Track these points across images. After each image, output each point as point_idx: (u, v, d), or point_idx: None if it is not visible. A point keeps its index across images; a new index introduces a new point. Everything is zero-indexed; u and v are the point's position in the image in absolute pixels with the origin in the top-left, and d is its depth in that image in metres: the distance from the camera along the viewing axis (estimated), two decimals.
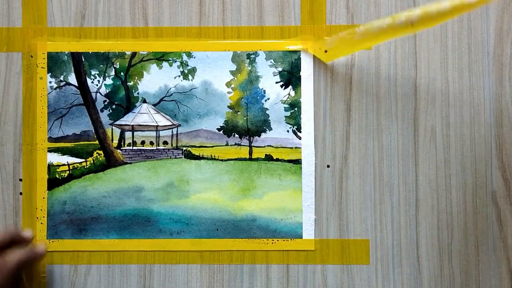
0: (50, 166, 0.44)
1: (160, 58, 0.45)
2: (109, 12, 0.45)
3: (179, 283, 0.44)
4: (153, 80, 0.45)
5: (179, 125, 0.45)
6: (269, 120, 0.45)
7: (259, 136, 0.45)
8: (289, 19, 0.45)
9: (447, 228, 0.44)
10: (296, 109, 0.45)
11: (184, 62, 0.45)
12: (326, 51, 0.43)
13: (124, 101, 0.45)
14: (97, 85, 0.45)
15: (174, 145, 0.45)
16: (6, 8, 0.45)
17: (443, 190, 0.44)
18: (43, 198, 0.44)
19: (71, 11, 0.45)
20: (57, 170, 0.44)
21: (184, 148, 0.45)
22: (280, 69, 0.45)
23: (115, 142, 0.45)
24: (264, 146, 0.45)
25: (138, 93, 0.45)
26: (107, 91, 0.45)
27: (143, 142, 0.45)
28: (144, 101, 0.45)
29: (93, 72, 0.45)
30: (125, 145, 0.45)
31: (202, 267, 0.44)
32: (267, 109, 0.45)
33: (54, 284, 0.44)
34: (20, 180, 0.44)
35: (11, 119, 0.45)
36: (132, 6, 0.45)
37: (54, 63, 0.45)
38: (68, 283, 0.44)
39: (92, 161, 0.45)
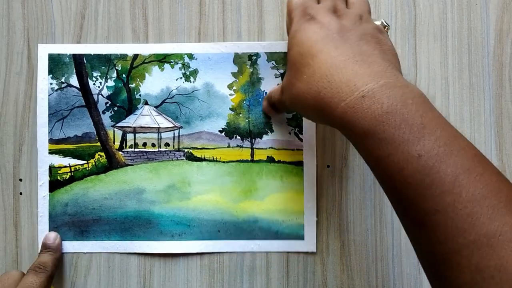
0: (52, 168, 0.44)
1: (162, 60, 0.45)
2: (109, 12, 0.45)
3: (179, 283, 0.44)
4: (155, 82, 0.45)
5: (181, 127, 0.45)
6: (271, 122, 0.45)
7: (261, 138, 0.45)
8: None
9: None
10: None
11: (185, 64, 0.45)
12: None
13: (126, 103, 0.45)
14: (98, 87, 0.45)
15: (176, 147, 0.45)
16: (6, 8, 0.45)
17: None
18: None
19: (71, 11, 0.45)
20: (59, 172, 0.44)
21: (186, 150, 0.45)
22: (281, 71, 0.45)
23: (117, 144, 0.45)
24: (266, 148, 0.45)
25: (140, 95, 0.45)
26: (109, 93, 0.45)
27: (144, 144, 0.45)
28: (146, 103, 0.45)
29: (95, 74, 0.45)
30: (127, 147, 0.45)
31: (202, 267, 0.44)
32: None
33: (54, 284, 0.44)
34: (20, 180, 0.44)
35: (11, 119, 0.45)
36: (132, 6, 0.45)
37: (56, 64, 0.45)
38: (68, 283, 0.44)
39: (93, 163, 0.45)
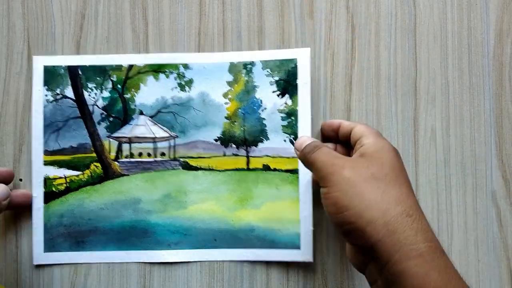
0: (47, 179, 0.44)
1: (157, 70, 0.45)
2: (109, 12, 0.45)
3: (179, 283, 0.44)
4: (150, 92, 0.45)
5: (177, 137, 0.45)
6: (266, 130, 0.45)
7: (256, 146, 0.45)
8: (290, 20, 0.45)
9: (447, 228, 0.44)
10: (293, 118, 0.45)
11: (181, 73, 0.45)
12: None
13: (121, 113, 0.45)
14: (94, 98, 0.45)
15: (172, 156, 0.45)
16: (6, 8, 0.45)
17: (443, 190, 0.44)
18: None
19: (71, 11, 0.45)
20: (54, 183, 0.44)
21: (182, 159, 0.45)
22: (276, 78, 0.45)
23: (113, 154, 0.45)
24: (261, 156, 0.45)
25: (135, 105, 0.45)
26: (104, 103, 0.45)
27: (140, 154, 0.45)
28: (141, 113, 0.45)
29: (90, 85, 0.45)
30: (123, 157, 0.45)
31: (202, 267, 0.44)
32: (264, 119, 0.45)
33: (54, 284, 0.44)
34: (20, 180, 0.44)
35: (11, 119, 0.45)
36: (132, 6, 0.45)
37: (51, 76, 0.45)
38: (68, 283, 0.44)
39: (89, 174, 0.45)
